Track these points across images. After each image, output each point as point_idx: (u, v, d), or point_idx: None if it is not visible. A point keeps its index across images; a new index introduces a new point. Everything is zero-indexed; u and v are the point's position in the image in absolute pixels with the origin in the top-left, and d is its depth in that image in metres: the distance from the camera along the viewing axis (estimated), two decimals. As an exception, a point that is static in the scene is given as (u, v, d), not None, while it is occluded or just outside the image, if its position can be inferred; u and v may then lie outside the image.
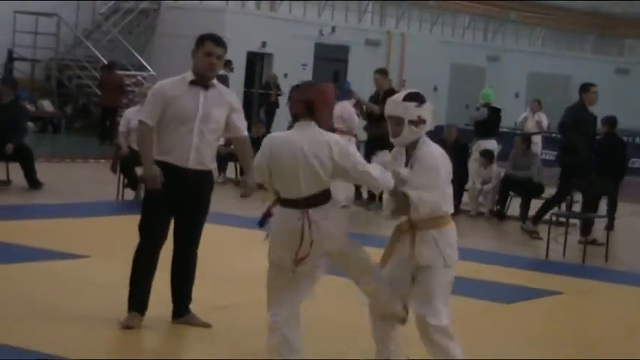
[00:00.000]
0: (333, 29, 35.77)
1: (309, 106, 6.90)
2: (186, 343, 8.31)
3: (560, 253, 13.84)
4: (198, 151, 8.23)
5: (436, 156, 6.99)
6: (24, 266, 10.56)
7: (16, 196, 16.05)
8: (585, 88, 15.47)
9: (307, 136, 6.85)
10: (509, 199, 17.69)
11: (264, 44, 32.90)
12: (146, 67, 29.65)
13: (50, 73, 30.78)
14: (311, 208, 6.80)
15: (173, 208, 8.34)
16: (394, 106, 7.03)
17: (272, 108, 31.34)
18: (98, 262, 10.86)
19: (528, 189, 17.35)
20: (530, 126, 23.79)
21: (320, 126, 6.89)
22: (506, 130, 28.23)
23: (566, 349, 9.07)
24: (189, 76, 8.32)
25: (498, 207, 17.60)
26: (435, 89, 39.61)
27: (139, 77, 28.59)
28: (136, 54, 30.10)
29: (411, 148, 7.04)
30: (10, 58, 29.75)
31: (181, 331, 8.39)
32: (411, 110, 6.95)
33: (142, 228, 8.40)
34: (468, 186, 18.09)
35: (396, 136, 6.99)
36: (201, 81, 8.26)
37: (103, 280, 9.86)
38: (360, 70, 36.01)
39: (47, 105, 29.05)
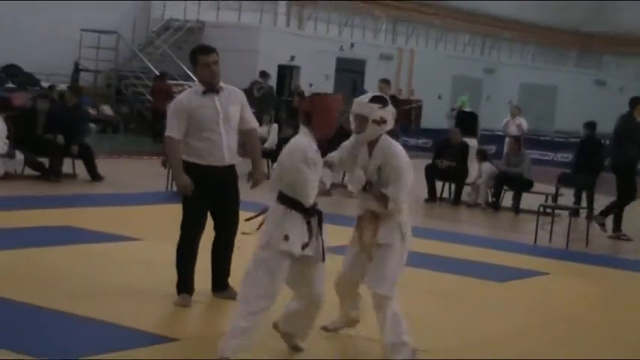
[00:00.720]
0: (352, 45, 35.75)
1: (307, 116, 6.79)
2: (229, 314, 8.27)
3: (546, 240, 13.76)
4: (229, 149, 8.14)
5: (404, 157, 7.00)
6: (86, 247, 10.59)
7: (81, 187, 16.08)
8: (636, 101, 15.29)
9: (294, 140, 6.77)
10: (502, 192, 17.63)
11: (292, 58, 32.89)
12: (191, 78, 29.60)
13: (110, 82, 30.86)
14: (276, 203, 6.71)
15: (213, 203, 8.22)
16: (361, 106, 7.01)
17: (296, 113, 31.29)
18: (149, 244, 10.86)
19: (520, 184, 17.32)
20: (512, 129, 23.50)
21: (314, 133, 6.70)
22: (499, 133, 28.10)
23: (552, 320, 9.03)
24: (199, 87, 8.13)
25: (494, 199, 17.53)
26: (440, 97, 39.64)
27: (186, 86, 28.49)
28: (183, 66, 30.05)
29: (372, 144, 7.00)
30: (77, 69, 29.86)
31: (223, 304, 8.35)
32: (375, 111, 6.91)
33: (183, 225, 8.29)
34: (467, 180, 18.05)
35: (360, 132, 6.97)
36: (210, 88, 8.06)
37: (153, 259, 9.85)
38: (374, 80, 35.95)
39: (107, 109, 29.14)
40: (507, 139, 19.21)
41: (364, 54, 36.35)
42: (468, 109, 19.78)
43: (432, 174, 18.08)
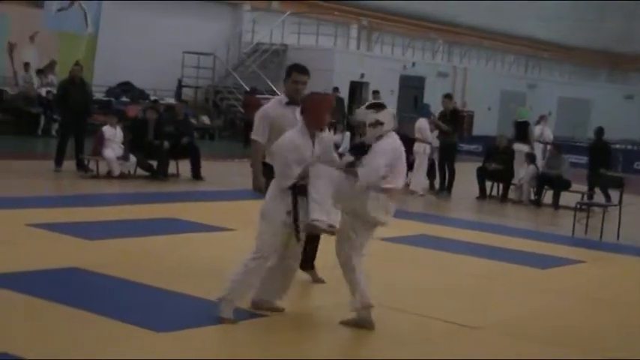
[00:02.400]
0: (414, 64, 35.59)
1: (302, 110, 7.00)
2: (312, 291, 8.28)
3: (583, 232, 13.56)
4: None
5: (381, 148, 6.88)
6: (188, 236, 10.68)
7: (183, 185, 16.22)
8: None
9: (288, 132, 7.05)
10: (544, 191, 17.42)
11: (362, 75, 32.83)
12: (277, 93, 29.76)
13: (208, 96, 31.10)
14: None
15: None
16: (359, 114, 7.05)
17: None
18: (242, 234, 10.88)
19: (559, 184, 17.10)
20: (538, 135, 22.68)
21: (308, 126, 6.90)
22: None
23: (588, 301, 8.90)
24: (283, 98, 8.04)
25: (536, 197, 17.34)
26: (489, 109, 39.32)
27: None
28: (269, 82, 30.22)
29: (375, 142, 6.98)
30: (180, 86, 30.16)
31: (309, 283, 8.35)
32: (369, 116, 6.91)
33: None
34: (513, 180, 17.87)
35: (364, 135, 6.97)
36: (293, 101, 7.91)
37: (244, 247, 9.85)
38: (432, 95, 35.78)
39: (205, 119, 29.35)
40: (550, 145, 19.07)
41: (424, 72, 36.16)
42: (523, 119, 19.54)
43: (482, 175, 17.95)
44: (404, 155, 7.05)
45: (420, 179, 17.37)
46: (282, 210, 6.85)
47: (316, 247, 8.40)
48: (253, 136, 8.04)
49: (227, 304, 6.87)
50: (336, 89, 27.29)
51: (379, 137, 6.91)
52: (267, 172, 7.76)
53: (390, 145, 6.92)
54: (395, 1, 37.26)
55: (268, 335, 6.78)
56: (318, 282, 8.44)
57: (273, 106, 8.07)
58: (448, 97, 18.73)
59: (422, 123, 17.59)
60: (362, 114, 7.03)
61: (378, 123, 6.89)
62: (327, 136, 7.13)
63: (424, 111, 18.30)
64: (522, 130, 19.12)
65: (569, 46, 48.10)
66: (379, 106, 7.05)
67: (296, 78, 7.93)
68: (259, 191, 7.96)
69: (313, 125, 6.90)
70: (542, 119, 23.48)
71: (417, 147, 17.30)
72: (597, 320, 8.22)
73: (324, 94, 7.42)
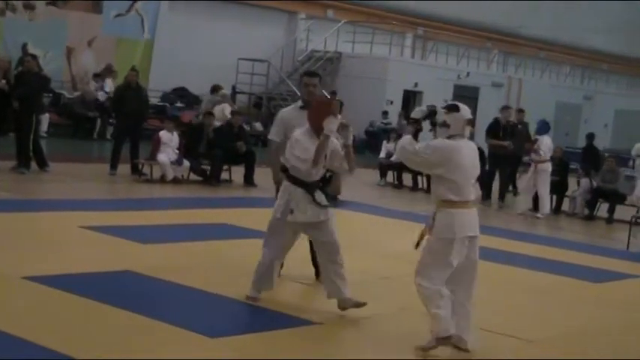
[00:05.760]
0: (468, 74, 35.36)
1: (308, 114, 7.46)
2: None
3: (638, 246, 13.38)
4: None
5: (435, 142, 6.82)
6: (238, 242, 10.70)
7: (236, 191, 16.31)
8: None
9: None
10: (598, 204, 17.23)
11: (416, 84, 32.71)
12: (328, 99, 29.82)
13: (261, 102, 31.24)
14: None
15: None
16: (415, 112, 7.05)
17: (416, 132, 31.03)
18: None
19: (614, 197, 16.91)
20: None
21: (310, 126, 7.35)
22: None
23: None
24: (299, 103, 8.43)
25: (590, 211, 17.17)
26: (545, 120, 38.93)
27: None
28: (323, 90, 30.26)
29: None
30: (234, 92, 30.30)
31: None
32: (440, 115, 6.79)
33: None
34: (567, 193, 17.71)
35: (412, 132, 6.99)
36: (307, 105, 8.15)
37: (296, 253, 9.90)
38: (487, 104, 35.60)
39: (258, 126, 29.44)
40: (607, 158, 18.89)
41: (478, 82, 35.93)
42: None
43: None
44: (471, 164, 6.62)
45: (545, 202, 16.85)
46: (282, 204, 7.39)
47: None
48: (270, 136, 8.58)
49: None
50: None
51: (450, 138, 6.57)
52: None
53: (448, 145, 6.53)
54: (455, 10, 37.16)
55: (321, 343, 6.79)
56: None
57: (289, 109, 8.58)
58: (506, 108, 18.59)
59: (545, 141, 16.77)
60: (417, 112, 6.93)
61: (444, 124, 6.63)
62: (335, 141, 7.38)
63: (545, 128, 17.27)
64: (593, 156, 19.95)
65: (628, 58, 47.55)
66: (451, 108, 6.71)
67: (307, 81, 8.41)
68: (278, 184, 8.23)
69: (313, 125, 7.32)
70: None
71: (540, 167, 16.67)
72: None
73: (326, 99, 7.72)
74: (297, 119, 8.13)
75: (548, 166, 16.77)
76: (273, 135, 8.44)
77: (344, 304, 7.46)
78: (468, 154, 6.60)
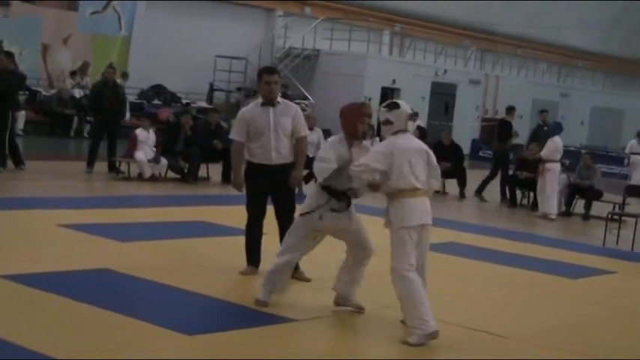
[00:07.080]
0: (445, 71, 35.50)
1: (340, 119, 7.35)
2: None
3: (614, 243, 13.49)
4: (277, 151, 8.37)
5: (376, 146, 7.18)
6: (216, 239, 10.75)
7: (214, 189, 16.31)
8: None
9: None
10: (575, 201, 17.33)
11: (394, 81, 32.80)
12: (308, 97, 29.85)
13: (239, 100, 31.21)
14: None
15: (270, 192, 8.56)
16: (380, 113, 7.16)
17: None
18: (270, 239, 10.89)
19: (590, 194, 17.01)
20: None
21: (344, 132, 7.25)
22: (572, 148, 27.85)
23: (619, 312, 8.85)
24: (259, 100, 8.42)
25: (566, 207, 17.25)
26: (521, 117, 39.03)
27: (303, 104, 28.71)
28: (301, 87, 30.29)
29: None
30: (212, 89, 30.29)
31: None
32: (382, 114, 7.06)
33: (247, 209, 8.71)
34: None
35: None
36: (268, 102, 8.34)
37: (274, 250, 9.88)
38: (464, 101, 35.83)
39: (236, 123, 29.45)
40: (584, 155, 18.75)
41: (456, 79, 36.08)
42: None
43: (513, 184, 17.92)
44: (418, 156, 6.94)
45: (553, 202, 16.74)
46: (314, 206, 7.18)
47: None
48: (231, 135, 8.55)
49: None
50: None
51: (395, 134, 6.96)
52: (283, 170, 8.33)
53: (388, 144, 6.90)
54: (432, 8, 37.27)
55: (300, 340, 6.81)
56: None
57: (250, 108, 8.53)
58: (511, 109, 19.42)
59: (558, 142, 16.78)
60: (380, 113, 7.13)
61: (387, 122, 6.99)
62: (366, 144, 7.33)
63: (558, 129, 17.25)
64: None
65: (604, 55, 47.82)
66: (391, 106, 7.08)
67: (267, 79, 8.35)
68: (238, 188, 8.47)
69: (346, 130, 7.21)
70: None
71: (550, 166, 16.65)
72: (627, 331, 8.17)
73: (360, 104, 7.64)
74: (260, 117, 8.30)
75: (557, 166, 16.80)
76: (237, 135, 8.43)
77: (344, 303, 7.48)
78: (407, 144, 6.94)
